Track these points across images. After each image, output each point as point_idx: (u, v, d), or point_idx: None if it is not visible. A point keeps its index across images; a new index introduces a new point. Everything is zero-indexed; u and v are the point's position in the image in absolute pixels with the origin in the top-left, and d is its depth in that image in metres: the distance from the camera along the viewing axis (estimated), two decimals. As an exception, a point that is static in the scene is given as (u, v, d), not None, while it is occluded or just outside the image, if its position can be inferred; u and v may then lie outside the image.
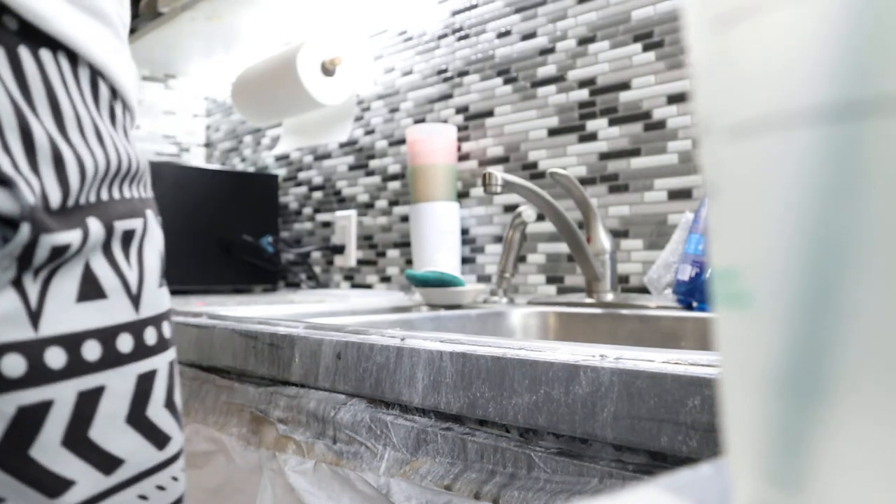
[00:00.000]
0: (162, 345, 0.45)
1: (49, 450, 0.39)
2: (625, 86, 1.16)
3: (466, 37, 1.43)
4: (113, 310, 0.41)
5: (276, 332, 0.73)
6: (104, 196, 0.42)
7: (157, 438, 0.44)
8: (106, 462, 0.41)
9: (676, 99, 1.10)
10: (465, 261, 1.41)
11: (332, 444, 0.64)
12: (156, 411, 0.44)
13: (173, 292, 1.62)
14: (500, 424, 0.53)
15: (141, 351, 0.43)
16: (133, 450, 0.43)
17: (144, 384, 0.43)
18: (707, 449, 0.40)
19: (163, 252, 0.47)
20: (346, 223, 1.69)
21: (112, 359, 0.41)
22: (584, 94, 1.22)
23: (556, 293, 1.24)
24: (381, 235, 1.62)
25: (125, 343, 0.42)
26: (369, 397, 0.62)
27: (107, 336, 0.41)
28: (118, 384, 0.41)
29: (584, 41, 1.22)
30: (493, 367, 0.51)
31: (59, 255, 0.39)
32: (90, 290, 0.41)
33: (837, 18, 0.11)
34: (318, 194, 1.81)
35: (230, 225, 1.70)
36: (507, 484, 0.50)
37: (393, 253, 1.59)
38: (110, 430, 0.41)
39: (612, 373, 0.44)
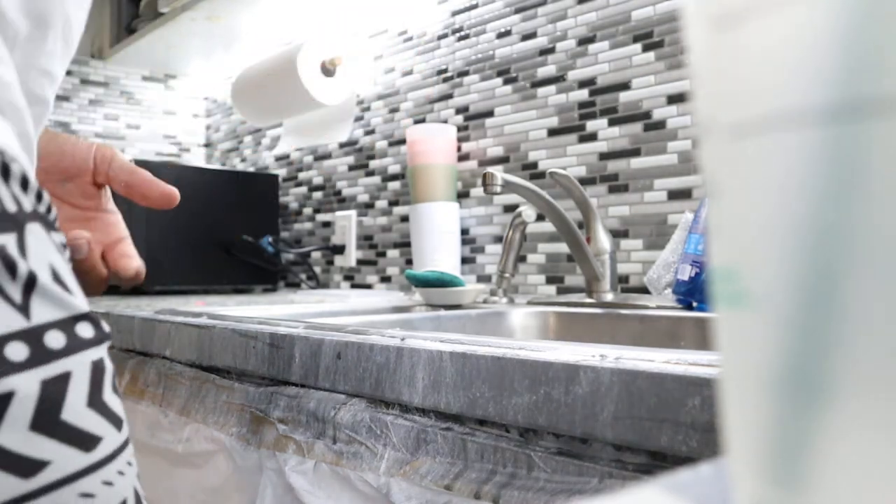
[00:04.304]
0: (75, 346, 0.44)
1: None
2: (625, 86, 1.16)
3: (466, 37, 1.43)
4: None
5: (276, 332, 0.73)
6: None
7: (81, 441, 0.43)
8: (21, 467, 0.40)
9: (676, 99, 1.10)
10: (465, 261, 1.41)
11: (332, 444, 0.64)
12: (76, 413, 0.43)
13: (173, 292, 1.63)
14: (500, 424, 0.53)
15: (40, 357, 0.42)
16: (46, 457, 0.41)
17: (52, 389, 0.42)
18: (707, 449, 0.40)
19: (60, 257, 0.46)
20: (346, 223, 1.69)
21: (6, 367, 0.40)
22: (583, 94, 1.22)
23: (556, 293, 1.24)
24: (381, 235, 1.62)
25: (17, 351, 0.41)
26: (369, 397, 0.62)
27: None
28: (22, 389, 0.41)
29: (584, 41, 1.22)
30: (493, 367, 0.51)
31: None
32: None
33: (837, 18, 0.11)
34: (318, 194, 1.81)
35: (230, 225, 1.70)
36: (507, 484, 0.50)
37: (393, 253, 1.59)
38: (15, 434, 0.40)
39: (612, 373, 0.44)
